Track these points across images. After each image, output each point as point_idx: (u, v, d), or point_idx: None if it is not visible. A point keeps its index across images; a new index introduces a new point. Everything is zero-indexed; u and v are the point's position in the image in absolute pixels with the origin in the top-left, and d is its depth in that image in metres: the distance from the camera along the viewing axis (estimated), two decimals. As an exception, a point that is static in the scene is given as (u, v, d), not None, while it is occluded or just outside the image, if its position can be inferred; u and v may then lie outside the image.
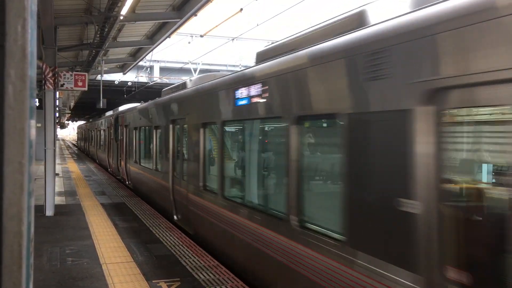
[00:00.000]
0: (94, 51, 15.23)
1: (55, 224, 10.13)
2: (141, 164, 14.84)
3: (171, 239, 8.84)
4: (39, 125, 15.85)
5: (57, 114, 15.20)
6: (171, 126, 10.98)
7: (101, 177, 20.59)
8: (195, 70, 29.38)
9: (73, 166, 26.62)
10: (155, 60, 31.83)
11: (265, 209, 6.37)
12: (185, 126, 9.84)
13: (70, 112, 53.25)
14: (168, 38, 15.60)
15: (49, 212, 11.19)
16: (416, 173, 3.42)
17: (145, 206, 12.80)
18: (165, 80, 31.48)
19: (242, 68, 7.01)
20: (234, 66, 30.17)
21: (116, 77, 29.13)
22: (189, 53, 29.94)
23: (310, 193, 5.40)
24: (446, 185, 3.27)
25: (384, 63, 3.79)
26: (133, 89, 30.37)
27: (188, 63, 29.80)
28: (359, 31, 4.36)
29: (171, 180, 10.84)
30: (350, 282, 4.19)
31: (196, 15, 12.37)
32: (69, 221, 10.48)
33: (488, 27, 2.86)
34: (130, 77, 29.62)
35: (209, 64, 29.94)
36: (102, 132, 27.06)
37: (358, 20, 4.83)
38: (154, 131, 12.87)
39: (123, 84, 29.88)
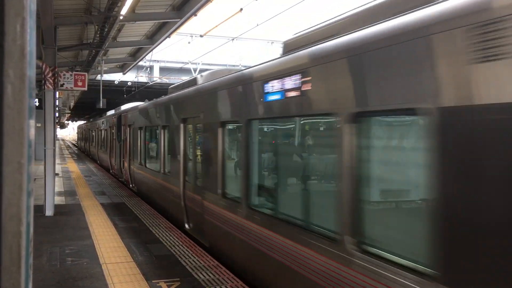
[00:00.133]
0: (94, 51, 15.24)
1: (54, 224, 10.13)
2: (147, 166, 13.92)
3: (171, 239, 8.84)
4: (39, 125, 15.87)
5: (56, 114, 15.20)
6: (181, 125, 10.01)
7: (101, 177, 20.59)
8: (195, 70, 29.41)
9: (73, 166, 26.62)
10: (155, 60, 31.88)
11: (306, 225, 5.23)
12: (199, 125, 8.86)
13: (70, 112, 53.28)
14: (168, 38, 15.61)
15: (49, 212, 11.19)
16: None
17: (145, 206, 12.79)
18: (165, 80, 31.51)
19: (272, 59, 6.32)
20: (234, 66, 30.19)
21: (116, 77, 29.16)
22: (189, 53, 30.02)
23: (376, 209, 4.42)
24: None
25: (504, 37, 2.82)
26: (133, 89, 30.38)
27: (188, 63, 29.83)
28: None
29: (182, 185, 9.87)
30: None
31: (196, 15, 12.37)
32: (69, 221, 10.48)
33: None
34: (130, 77, 29.65)
35: (209, 64, 29.96)
36: (103, 132, 26.12)
37: None
38: (162, 131, 11.92)
39: (123, 84, 29.91)
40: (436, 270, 3.21)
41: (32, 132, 0.88)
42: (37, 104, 23.37)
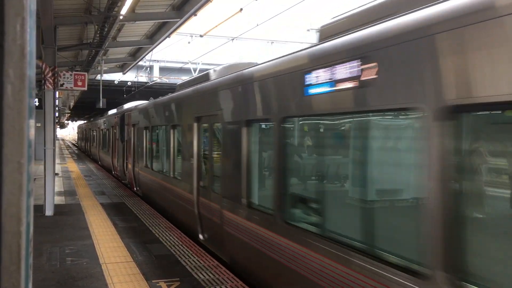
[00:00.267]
0: (93, 51, 15.25)
1: (54, 224, 10.13)
2: (154, 169, 12.92)
3: (170, 239, 8.83)
4: (38, 124, 15.87)
5: (56, 114, 15.20)
6: (195, 125, 9.04)
7: (101, 177, 20.59)
8: (194, 70, 29.40)
9: (73, 166, 26.62)
10: (155, 60, 31.91)
11: (370, 249, 4.04)
12: (217, 124, 7.90)
13: (69, 111, 53.27)
14: (167, 38, 15.61)
15: (49, 212, 11.19)
16: None
17: (145, 206, 12.79)
18: (164, 80, 31.53)
19: (312, 45, 5.35)
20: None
21: (116, 77, 29.18)
22: (189, 53, 30.02)
23: (489, 234, 3.26)
24: None
25: None
26: (132, 88, 30.40)
27: (188, 63, 29.83)
28: None
29: (196, 191, 8.94)
30: None
31: (196, 15, 12.38)
32: (69, 221, 10.48)
33: None
34: (129, 77, 29.68)
35: (208, 64, 29.97)
36: (105, 132, 25.21)
37: None
38: (172, 131, 10.98)
39: (122, 84, 29.93)
40: None
41: (32, 132, 0.88)
42: (37, 104, 23.36)
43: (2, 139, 0.82)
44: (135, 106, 16.89)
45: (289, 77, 5.38)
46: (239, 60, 30.20)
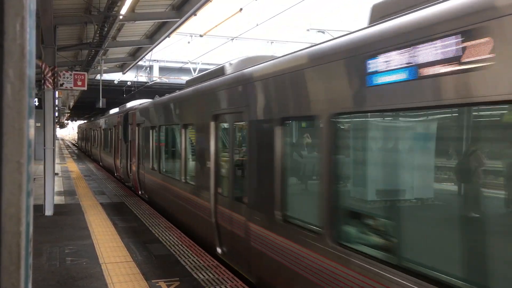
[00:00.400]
0: (93, 50, 15.26)
1: (54, 224, 10.13)
2: (162, 172, 11.94)
3: (170, 239, 8.84)
4: (38, 124, 15.87)
5: (56, 114, 15.20)
6: (212, 123, 8.00)
7: (101, 177, 20.58)
8: (194, 69, 29.41)
9: (73, 166, 26.62)
10: (155, 60, 31.89)
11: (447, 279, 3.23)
12: (241, 123, 7.01)
13: (69, 111, 53.27)
14: (167, 38, 15.62)
15: (49, 211, 11.19)
16: None
17: (145, 206, 12.79)
18: (164, 79, 31.53)
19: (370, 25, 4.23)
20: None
21: (116, 77, 29.19)
22: (189, 52, 30.09)
23: None
24: None
25: None
26: (132, 88, 30.41)
27: (187, 62, 29.83)
28: None
29: (214, 199, 7.92)
30: None
31: (195, 15, 12.38)
32: (69, 221, 10.48)
33: None
34: (129, 76, 29.68)
35: (208, 64, 29.98)
36: (107, 131, 24.13)
37: None
38: (183, 130, 9.94)
39: (122, 83, 29.94)
40: None
41: (32, 131, 0.88)
42: (36, 103, 23.36)
43: (2, 138, 0.82)
44: (140, 104, 16.04)
45: (345, 64, 4.37)
46: (239, 60, 30.25)
